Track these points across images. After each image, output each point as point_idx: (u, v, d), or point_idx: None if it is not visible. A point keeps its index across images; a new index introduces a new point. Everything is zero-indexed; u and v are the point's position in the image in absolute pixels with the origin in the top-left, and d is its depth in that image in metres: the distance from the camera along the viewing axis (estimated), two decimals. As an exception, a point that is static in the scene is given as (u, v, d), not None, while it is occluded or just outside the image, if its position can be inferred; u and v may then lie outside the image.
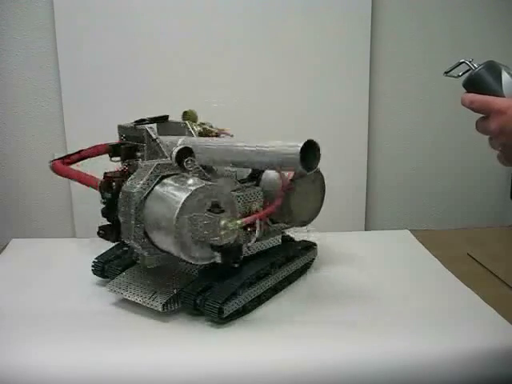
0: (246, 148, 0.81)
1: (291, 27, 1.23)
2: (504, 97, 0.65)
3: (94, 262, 0.90)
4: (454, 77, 0.70)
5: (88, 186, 0.86)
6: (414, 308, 0.82)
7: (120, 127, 0.94)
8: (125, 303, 0.82)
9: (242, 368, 0.69)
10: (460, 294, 0.87)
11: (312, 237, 0.98)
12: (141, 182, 0.74)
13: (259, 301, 0.83)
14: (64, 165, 0.92)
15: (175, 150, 0.77)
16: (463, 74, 0.69)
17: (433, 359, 0.70)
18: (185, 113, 0.98)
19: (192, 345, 0.73)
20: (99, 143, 0.95)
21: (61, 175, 0.92)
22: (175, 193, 0.72)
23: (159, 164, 0.76)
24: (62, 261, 1.00)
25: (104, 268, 0.90)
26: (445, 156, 1.37)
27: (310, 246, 0.96)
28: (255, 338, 0.74)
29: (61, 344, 0.72)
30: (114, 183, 0.79)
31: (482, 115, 0.67)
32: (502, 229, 1.26)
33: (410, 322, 0.78)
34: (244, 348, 0.72)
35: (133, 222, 0.74)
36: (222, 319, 0.76)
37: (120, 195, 0.76)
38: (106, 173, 0.83)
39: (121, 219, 0.76)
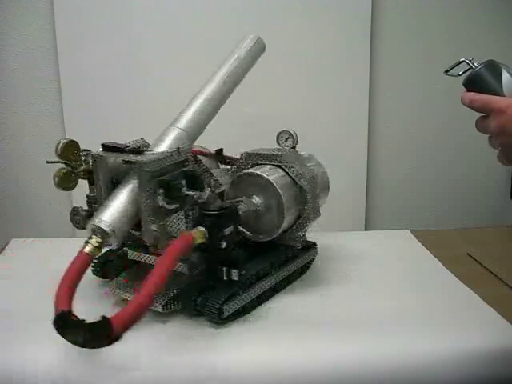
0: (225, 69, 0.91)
1: (291, 27, 1.23)
2: (504, 96, 0.65)
3: (93, 262, 0.90)
4: (454, 76, 0.70)
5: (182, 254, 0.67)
6: (413, 308, 0.82)
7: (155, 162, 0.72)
8: (125, 303, 0.82)
9: (242, 368, 0.69)
10: (460, 293, 0.87)
11: (312, 237, 0.98)
12: (308, 164, 0.89)
13: (259, 301, 0.83)
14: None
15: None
16: (463, 73, 0.69)
17: (433, 359, 0.70)
18: (68, 146, 0.80)
19: (192, 345, 0.72)
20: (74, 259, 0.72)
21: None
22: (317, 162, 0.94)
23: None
24: (62, 261, 0.99)
25: (104, 268, 0.89)
26: (445, 156, 1.37)
27: (309, 246, 0.96)
28: (255, 338, 0.74)
29: (60, 344, 0.72)
30: (238, 206, 0.78)
31: (482, 114, 0.67)
32: (502, 229, 1.26)
33: (410, 322, 0.78)
34: (244, 348, 0.72)
35: (318, 200, 0.87)
36: (221, 319, 0.76)
37: (308, 184, 0.84)
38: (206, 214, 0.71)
39: (310, 202, 0.85)
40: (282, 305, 0.84)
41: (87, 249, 0.70)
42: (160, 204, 0.72)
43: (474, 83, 0.68)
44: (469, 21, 1.29)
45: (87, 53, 1.19)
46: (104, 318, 0.59)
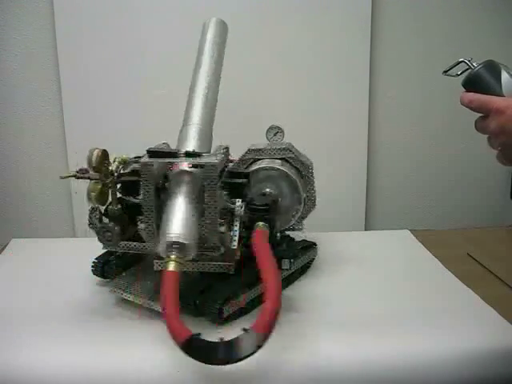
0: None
1: (291, 27, 1.23)
2: (503, 96, 0.65)
3: (93, 262, 0.90)
4: (452, 76, 0.70)
5: None
6: (413, 308, 0.82)
7: None
8: (125, 303, 0.82)
9: (242, 368, 0.69)
10: (460, 294, 0.87)
11: (312, 237, 0.98)
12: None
13: (259, 301, 0.83)
14: None
15: None
16: (462, 73, 0.69)
17: (433, 359, 0.70)
18: (101, 157, 0.74)
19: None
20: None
21: None
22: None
23: None
24: (61, 261, 1.00)
25: (104, 268, 0.89)
26: (445, 156, 1.37)
27: (309, 246, 0.96)
28: (255, 338, 0.74)
29: (60, 344, 0.72)
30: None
31: (481, 114, 0.67)
32: (502, 229, 1.26)
33: (410, 322, 0.78)
34: (244, 348, 0.72)
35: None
36: (221, 319, 0.76)
37: (310, 173, 0.89)
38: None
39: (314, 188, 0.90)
40: (283, 305, 0.84)
41: (172, 267, 0.65)
42: (224, 205, 0.73)
43: (473, 83, 0.68)
44: (469, 21, 1.29)
45: (87, 53, 1.19)
46: (246, 330, 0.60)
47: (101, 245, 0.87)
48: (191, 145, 0.79)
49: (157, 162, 0.72)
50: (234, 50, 1.21)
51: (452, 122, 1.33)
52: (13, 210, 1.28)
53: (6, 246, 1.08)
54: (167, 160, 0.73)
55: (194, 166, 0.71)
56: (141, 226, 0.74)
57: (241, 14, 1.21)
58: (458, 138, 1.34)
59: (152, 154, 0.73)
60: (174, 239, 0.66)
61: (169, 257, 0.66)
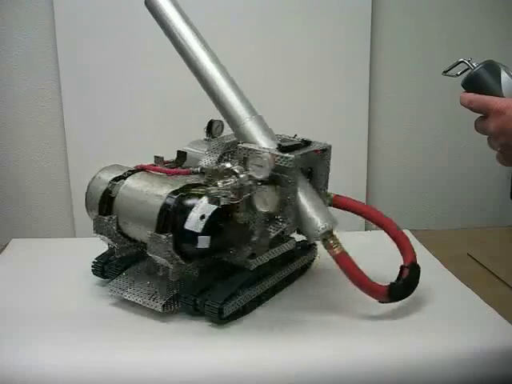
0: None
1: (291, 27, 1.23)
2: (503, 96, 0.65)
3: (93, 262, 0.90)
4: (452, 76, 0.70)
5: None
6: (414, 308, 0.82)
7: None
8: (125, 303, 0.82)
9: (242, 368, 0.69)
10: (460, 293, 0.87)
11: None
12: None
13: (259, 301, 0.83)
14: None
15: None
16: (462, 73, 0.69)
17: (433, 359, 0.70)
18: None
19: (192, 345, 0.73)
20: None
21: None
22: None
23: None
24: (61, 261, 1.00)
25: (104, 268, 0.89)
26: (445, 156, 1.37)
27: (309, 246, 0.96)
28: (255, 338, 0.74)
29: (60, 344, 0.72)
30: None
31: (481, 115, 0.67)
32: (501, 229, 1.26)
33: (409, 322, 0.78)
34: (244, 348, 0.72)
35: None
36: (221, 319, 0.76)
37: None
38: None
39: None
40: (283, 305, 0.84)
41: (338, 250, 0.79)
42: None
43: (472, 84, 0.68)
44: (469, 21, 1.29)
45: (87, 53, 1.19)
46: (406, 266, 0.79)
47: (101, 245, 0.88)
48: (262, 138, 0.83)
49: (298, 154, 0.78)
50: (234, 50, 1.22)
51: (452, 122, 1.33)
52: (13, 210, 1.28)
53: (6, 246, 1.08)
54: (307, 150, 0.81)
55: (322, 150, 0.84)
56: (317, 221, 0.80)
57: (241, 14, 1.21)
58: (458, 138, 1.34)
59: (285, 149, 0.79)
60: (328, 228, 0.80)
61: (328, 243, 0.79)
